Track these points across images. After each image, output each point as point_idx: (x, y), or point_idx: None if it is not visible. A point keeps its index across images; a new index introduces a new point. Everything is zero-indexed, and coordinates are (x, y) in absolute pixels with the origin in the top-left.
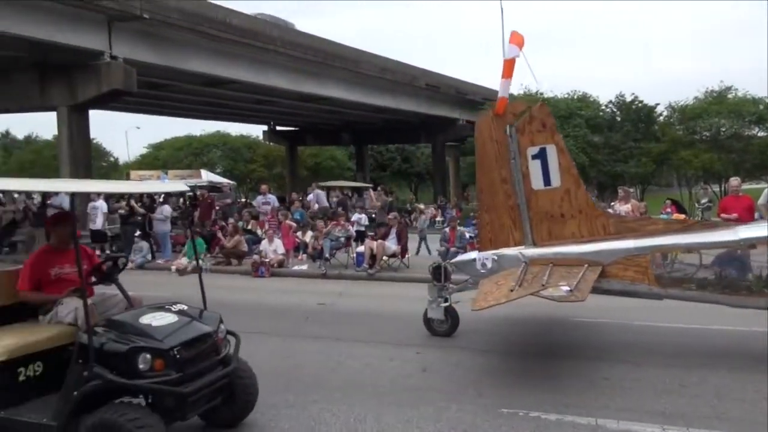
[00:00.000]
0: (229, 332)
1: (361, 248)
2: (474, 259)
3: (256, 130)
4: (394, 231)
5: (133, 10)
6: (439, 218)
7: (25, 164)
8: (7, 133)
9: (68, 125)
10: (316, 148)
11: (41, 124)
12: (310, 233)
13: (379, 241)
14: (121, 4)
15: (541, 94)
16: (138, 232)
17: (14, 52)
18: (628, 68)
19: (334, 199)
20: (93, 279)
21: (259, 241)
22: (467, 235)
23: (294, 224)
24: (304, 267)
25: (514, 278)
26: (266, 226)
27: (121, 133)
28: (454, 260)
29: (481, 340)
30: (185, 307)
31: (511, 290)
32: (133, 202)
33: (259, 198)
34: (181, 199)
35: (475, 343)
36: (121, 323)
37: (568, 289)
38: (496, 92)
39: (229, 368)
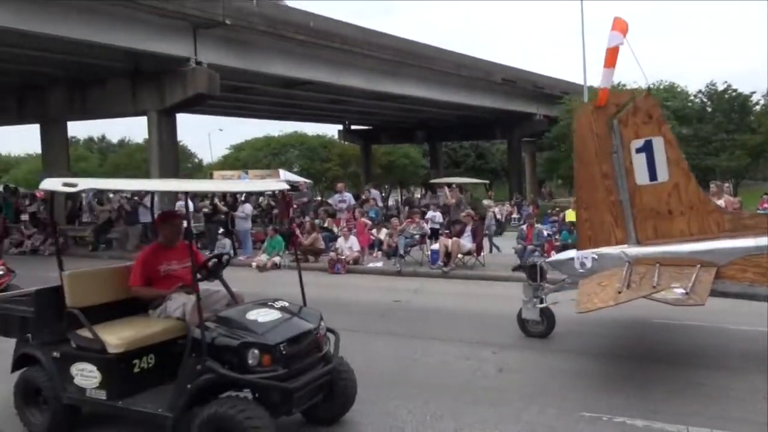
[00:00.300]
0: (328, 329)
1: (435, 246)
2: (572, 258)
3: (331, 130)
4: (469, 228)
5: (216, 17)
6: (515, 215)
7: (120, 166)
8: (103, 138)
9: (158, 128)
10: (390, 146)
11: (133, 129)
12: (384, 230)
13: (454, 238)
14: (205, 12)
15: (624, 85)
16: (221, 230)
17: (110, 62)
18: (720, 55)
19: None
20: (199, 276)
21: (335, 238)
22: (545, 233)
23: (369, 222)
24: (379, 264)
25: (620, 279)
26: (342, 224)
27: (205, 135)
28: (550, 259)
29: (560, 341)
30: (287, 304)
31: (619, 292)
32: (217, 201)
33: (336, 196)
34: (261, 198)
35: (553, 344)
36: (229, 319)
37: (683, 291)
38: (575, 85)
39: (330, 365)
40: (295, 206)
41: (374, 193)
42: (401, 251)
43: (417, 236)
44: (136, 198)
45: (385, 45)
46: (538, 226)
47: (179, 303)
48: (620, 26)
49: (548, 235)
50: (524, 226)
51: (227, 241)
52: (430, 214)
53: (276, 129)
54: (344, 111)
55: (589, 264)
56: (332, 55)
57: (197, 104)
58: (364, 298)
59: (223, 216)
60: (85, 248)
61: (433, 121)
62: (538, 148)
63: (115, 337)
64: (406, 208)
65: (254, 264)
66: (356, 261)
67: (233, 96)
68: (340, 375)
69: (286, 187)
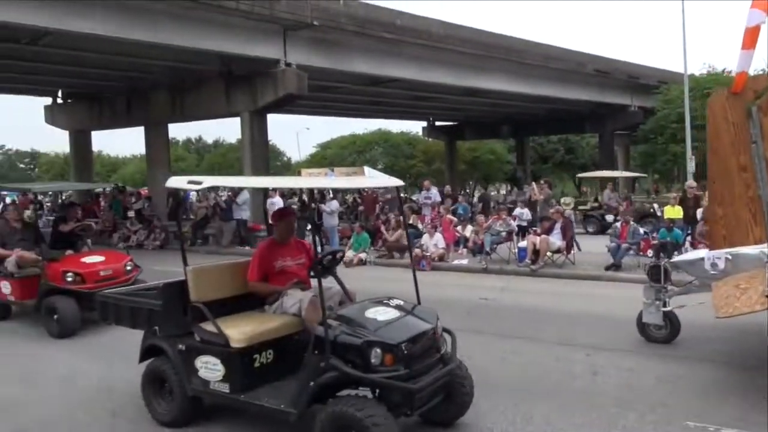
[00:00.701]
0: (444, 329)
1: (523, 243)
2: (702, 259)
3: (416, 127)
4: (558, 225)
5: (305, 19)
6: None
7: (215, 165)
8: (199, 138)
9: (250, 128)
10: (475, 142)
11: (226, 129)
12: (470, 227)
13: (543, 236)
14: (295, 14)
15: (729, 72)
16: (308, 226)
17: (206, 66)
18: None
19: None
20: (313, 273)
21: (420, 235)
22: (641, 231)
23: (455, 219)
24: (465, 261)
25: (763, 281)
26: (427, 221)
27: (293, 134)
28: (675, 259)
29: (664, 346)
30: (402, 302)
31: (767, 296)
32: (305, 198)
33: (423, 193)
34: (347, 195)
35: (650, 347)
36: (349, 317)
37: None
38: (674, 74)
39: (450, 366)
40: (380, 203)
41: (433, 192)
42: (487, 248)
43: (504, 233)
44: (230, 195)
45: (470, 39)
46: (634, 223)
47: (295, 299)
48: (761, 4)
49: (645, 233)
50: (618, 224)
51: (315, 238)
52: (517, 210)
53: (361, 127)
54: (429, 107)
55: (721, 265)
56: (418, 51)
57: (287, 104)
58: (450, 295)
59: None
60: (184, 243)
61: (520, 116)
62: (632, 142)
63: (238, 331)
64: (481, 204)
65: None
66: (441, 258)
67: (320, 95)
68: (458, 377)
69: (401, 183)
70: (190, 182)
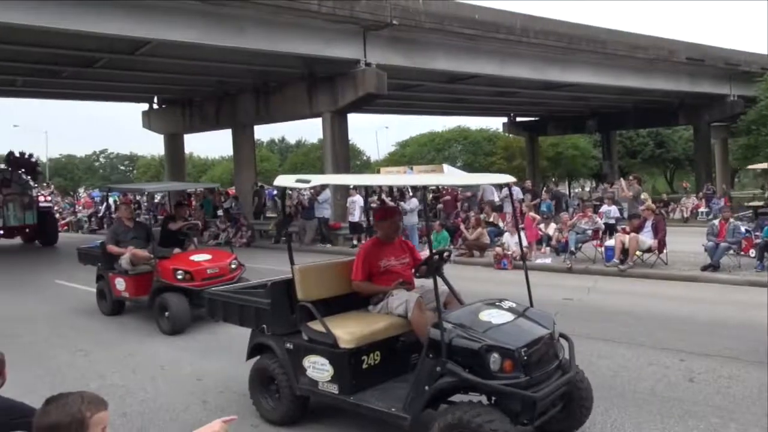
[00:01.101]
0: (560, 335)
1: (611, 242)
2: None
3: (495, 123)
4: (649, 223)
5: (384, 19)
6: (702, 209)
7: (297, 165)
8: (282, 139)
9: (331, 129)
10: (558, 137)
11: (308, 130)
12: (553, 225)
13: (632, 234)
14: (374, 15)
15: None
16: None
17: (289, 69)
18: None
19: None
20: (418, 273)
21: (501, 233)
22: (742, 229)
23: (538, 216)
24: (548, 260)
25: None
26: (508, 218)
27: (372, 133)
28: None
29: (760, 351)
30: (514, 304)
31: None
32: (384, 197)
33: (503, 190)
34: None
35: (751, 354)
36: (463, 319)
37: None
38: None
39: (569, 374)
40: (460, 200)
41: (514, 189)
42: (572, 247)
43: (590, 231)
44: (312, 193)
45: (551, 31)
46: (734, 221)
47: (401, 300)
48: None
49: (747, 231)
50: (716, 221)
51: None
52: (604, 208)
53: (440, 124)
54: (509, 103)
55: None
56: (497, 46)
57: (366, 104)
58: (533, 295)
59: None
60: (268, 240)
61: (606, 109)
62: (731, 134)
63: (346, 332)
64: (553, 202)
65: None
66: None
67: (399, 94)
68: (577, 387)
69: (512, 179)
70: (298, 181)
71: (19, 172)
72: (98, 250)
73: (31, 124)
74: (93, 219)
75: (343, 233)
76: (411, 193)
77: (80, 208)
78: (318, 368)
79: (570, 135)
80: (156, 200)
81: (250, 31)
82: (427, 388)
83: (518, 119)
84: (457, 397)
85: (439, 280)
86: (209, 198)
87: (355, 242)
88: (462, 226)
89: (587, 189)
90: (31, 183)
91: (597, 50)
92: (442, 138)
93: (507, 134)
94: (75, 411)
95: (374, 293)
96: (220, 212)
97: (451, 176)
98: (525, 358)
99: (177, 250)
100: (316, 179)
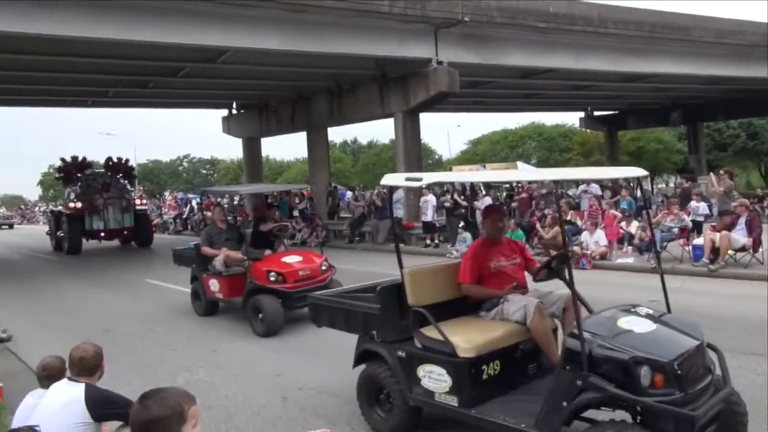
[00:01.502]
0: (708, 345)
1: (699, 240)
2: None
3: (572, 118)
4: (743, 220)
5: (456, 16)
6: None
7: (369, 165)
8: (355, 140)
9: (403, 128)
10: (639, 131)
11: (380, 130)
12: (635, 223)
13: (724, 232)
14: (446, 13)
15: None
16: (461, 223)
17: (361, 70)
18: None
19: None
20: (539, 276)
21: (579, 232)
22: None
23: (619, 214)
24: (630, 260)
25: None
26: (586, 217)
27: (444, 132)
28: None
29: None
30: (651, 311)
31: None
32: (456, 196)
33: (581, 187)
34: (498, 192)
35: None
36: (600, 327)
37: None
38: None
39: (726, 390)
40: (535, 198)
41: (592, 185)
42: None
43: (676, 229)
44: (384, 193)
45: (631, 20)
46: None
47: (518, 305)
48: None
49: None
50: None
51: (468, 235)
52: (692, 204)
53: (513, 121)
54: (587, 97)
55: None
56: (573, 38)
57: (438, 103)
58: (614, 295)
59: (463, 210)
60: (342, 240)
61: (691, 100)
62: None
63: (464, 339)
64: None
65: None
66: (603, 256)
67: (471, 92)
68: (732, 404)
69: (644, 173)
70: (408, 179)
71: (117, 176)
72: (192, 252)
73: (121, 132)
74: (178, 220)
75: (416, 233)
76: (484, 192)
77: (166, 210)
78: (434, 378)
79: (652, 128)
80: (235, 202)
81: (325, 35)
82: (565, 403)
83: (596, 113)
84: (590, 413)
85: (560, 282)
86: (285, 199)
87: (428, 242)
88: (538, 225)
89: (671, 185)
90: (128, 187)
91: (681, 38)
92: (515, 135)
93: (584, 129)
94: (174, 404)
95: (486, 297)
96: (295, 213)
97: (580, 171)
98: (678, 372)
99: (268, 252)
100: (428, 177)
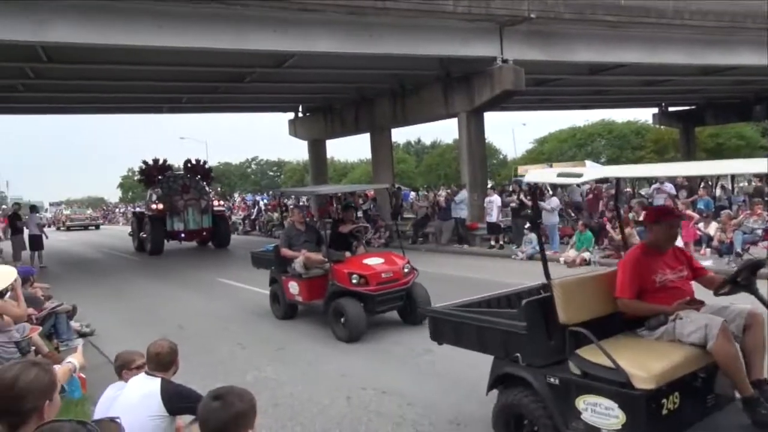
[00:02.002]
0: None
1: None
2: None
3: (644, 114)
4: None
5: (522, 13)
6: None
7: (432, 166)
8: (418, 141)
9: (467, 128)
10: (718, 126)
11: (443, 130)
12: (714, 225)
13: None
14: (511, 10)
15: None
16: (527, 224)
17: (425, 71)
18: None
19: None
20: (724, 289)
21: None
22: None
23: (696, 215)
24: (708, 263)
25: None
26: None
27: (509, 131)
28: None
29: None
30: None
31: None
32: (522, 196)
33: (653, 185)
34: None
35: None
36: None
37: None
38: None
39: None
40: (605, 199)
41: (666, 184)
42: (738, 248)
43: (759, 231)
44: (448, 193)
45: (709, 10)
46: None
47: (697, 324)
48: None
49: None
50: None
51: (533, 236)
52: None
53: (581, 119)
54: (660, 92)
55: None
56: (646, 31)
57: (503, 101)
58: None
59: (529, 211)
60: (405, 241)
61: None
62: None
63: (639, 367)
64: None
65: (562, 259)
66: None
67: (537, 89)
68: None
69: None
70: (561, 175)
71: (196, 177)
72: (271, 254)
73: (193, 136)
74: (246, 221)
75: (480, 233)
76: (551, 192)
77: (235, 211)
78: (601, 413)
79: (733, 124)
80: (300, 203)
81: (388, 37)
82: None
83: (671, 109)
84: None
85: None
86: (349, 200)
87: (492, 243)
88: (608, 226)
89: (753, 183)
90: (207, 188)
91: (763, 26)
92: (584, 133)
93: (658, 126)
94: (251, 398)
95: (650, 314)
96: (359, 214)
97: (710, 164)
98: None
99: (347, 254)
100: (590, 172)
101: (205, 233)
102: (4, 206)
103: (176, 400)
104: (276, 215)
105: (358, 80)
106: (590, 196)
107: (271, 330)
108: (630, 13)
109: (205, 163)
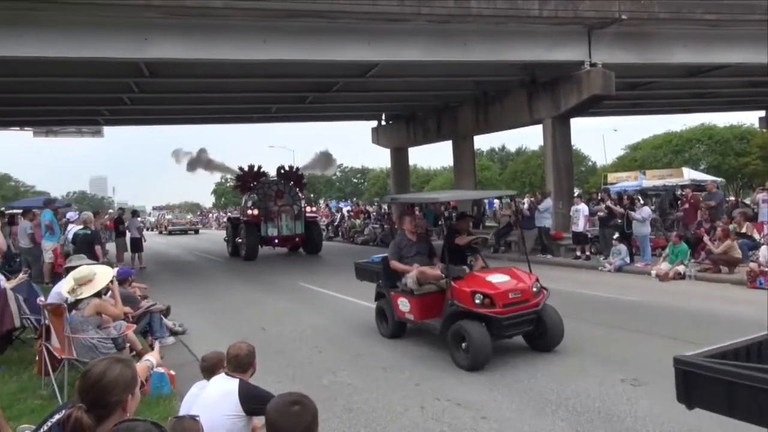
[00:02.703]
0: None
1: None
2: None
3: (749, 118)
4: None
5: (612, 15)
6: None
7: (516, 173)
8: (502, 147)
9: (552, 134)
10: None
11: (528, 136)
12: None
13: None
14: (600, 12)
15: None
16: (616, 235)
17: (508, 77)
18: None
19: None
20: None
21: (756, 246)
22: None
23: None
24: None
25: None
26: (765, 230)
27: (598, 137)
28: None
29: None
30: None
31: None
32: (611, 204)
33: (759, 195)
34: (658, 200)
35: None
36: None
37: None
38: None
39: None
40: (702, 209)
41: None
42: None
43: None
44: (532, 202)
45: None
46: None
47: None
48: None
49: None
50: None
51: (623, 247)
52: None
53: (678, 123)
54: (767, 94)
55: None
56: (751, 29)
57: (591, 107)
58: None
59: (619, 220)
60: (487, 250)
61: None
62: None
63: None
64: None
65: (653, 272)
66: None
67: (628, 93)
68: None
69: None
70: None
71: (290, 184)
72: (378, 266)
73: (281, 144)
74: (329, 227)
75: (565, 243)
76: (642, 201)
77: (320, 218)
78: None
79: None
80: (382, 210)
81: (472, 43)
82: None
83: None
84: None
85: None
86: (430, 208)
87: (578, 253)
88: (706, 238)
89: None
90: (300, 194)
91: None
92: (680, 138)
93: (764, 130)
94: (314, 406)
95: None
96: (440, 222)
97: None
98: None
99: (466, 269)
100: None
101: (297, 239)
102: (110, 210)
103: (252, 401)
104: (359, 222)
105: (440, 88)
106: (686, 205)
107: (349, 336)
108: (732, 11)
109: (297, 169)
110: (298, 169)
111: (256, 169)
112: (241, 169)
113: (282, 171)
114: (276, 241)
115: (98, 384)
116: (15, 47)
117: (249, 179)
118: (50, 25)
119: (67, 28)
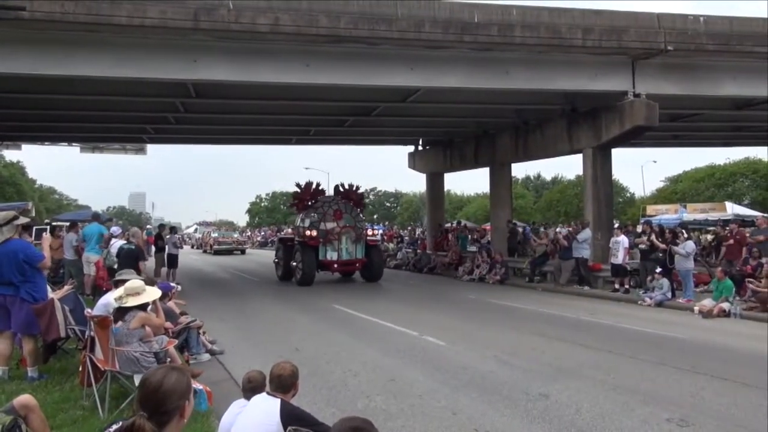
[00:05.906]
0: None
1: None
2: None
3: None
4: None
5: (657, 46)
6: None
7: (552, 202)
8: (538, 176)
9: (592, 165)
10: None
11: (565, 165)
12: None
13: None
14: (645, 43)
15: None
16: (658, 269)
17: (549, 105)
18: None
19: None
20: None
21: None
22: None
23: None
24: None
25: None
26: None
27: (637, 168)
28: None
29: None
30: None
31: None
32: (653, 237)
33: None
34: (703, 236)
35: None
36: None
37: None
38: None
39: None
40: (748, 244)
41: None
42: None
43: None
44: (570, 232)
45: None
46: None
47: None
48: None
49: None
50: None
51: (665, 281)
52: None
53: (718, 156)
54: None
55: None
56: None
57: (634, 137)
58: None
59: (660, 254)
60: (522, 279)
61: None
62: None
63: None
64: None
65: (697, 309)
66: None
67: (670, 125)
68: None
69: None
70: None
71: (350, 203)
72: None
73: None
74: None
75: (603, 275)
76: (686, 235)
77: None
78: None
79: None
80: (416, 234)
81: (512, 71)
82: None
83: None
84: None
85: None
86: (464, 234)
87: (616, 286)
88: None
89: None
90: (361, 215)
91: None
92: (724, 172)
93: None
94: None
95: None
96: (471, 248)
97: None
98: None
99: None
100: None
101: (357, 264)
102: (149, 226)
103: (294, 422)
104: (392, 246)
105: (479, 114)
106: (731, 241)
107: (382, 360)
108: None
109: (357, 188)
110: (358, 187)
111: (314, 186)
112: (298, 185)
113: (341, 189)
114: (335, 265)
115: (157, 392)
116: (71, 67)
117: (306, 197)
118: (105, 47)
119: (122, 49)
